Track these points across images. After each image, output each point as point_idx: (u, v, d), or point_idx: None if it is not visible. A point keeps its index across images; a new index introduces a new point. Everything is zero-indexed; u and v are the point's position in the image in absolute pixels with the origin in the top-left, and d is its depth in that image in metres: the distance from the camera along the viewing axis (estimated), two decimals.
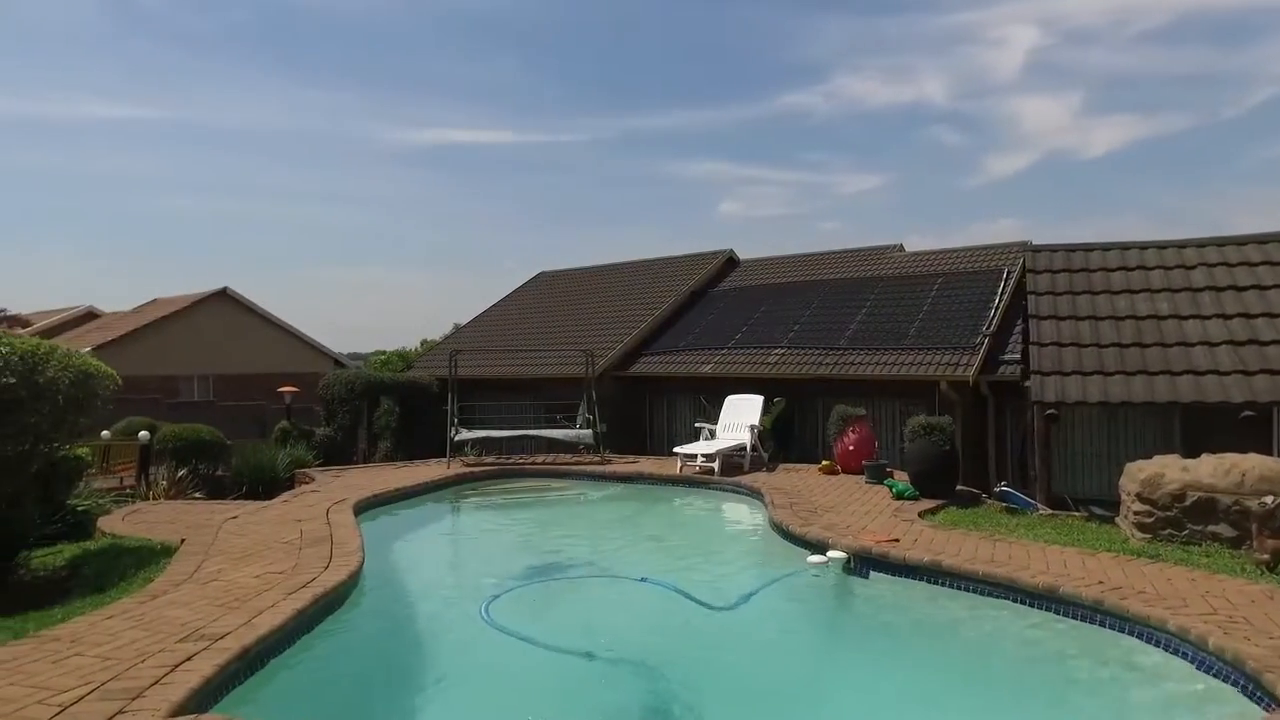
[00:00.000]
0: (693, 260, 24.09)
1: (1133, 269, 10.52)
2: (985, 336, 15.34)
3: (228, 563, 6.14)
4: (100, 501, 10.23)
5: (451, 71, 77.97)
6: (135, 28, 66.11)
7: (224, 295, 29.97)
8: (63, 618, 5.20)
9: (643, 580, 6.58)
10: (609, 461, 12.26)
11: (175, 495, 13.47)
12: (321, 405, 20.73)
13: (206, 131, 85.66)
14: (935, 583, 6.01)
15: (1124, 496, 7.49)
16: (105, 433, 18.29)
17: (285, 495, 9.16)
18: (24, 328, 28.14)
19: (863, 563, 6.51)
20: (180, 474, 13.96)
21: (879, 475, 10.37)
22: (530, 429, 13.15)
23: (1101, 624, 5.00)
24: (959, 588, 5.86)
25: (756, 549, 7.97)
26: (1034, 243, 19.08)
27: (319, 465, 18.44)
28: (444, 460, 12.75)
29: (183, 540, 7.17)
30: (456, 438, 12.05)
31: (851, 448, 11.39)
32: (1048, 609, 5.33)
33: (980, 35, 73.25)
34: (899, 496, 9.14)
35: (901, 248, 21.62)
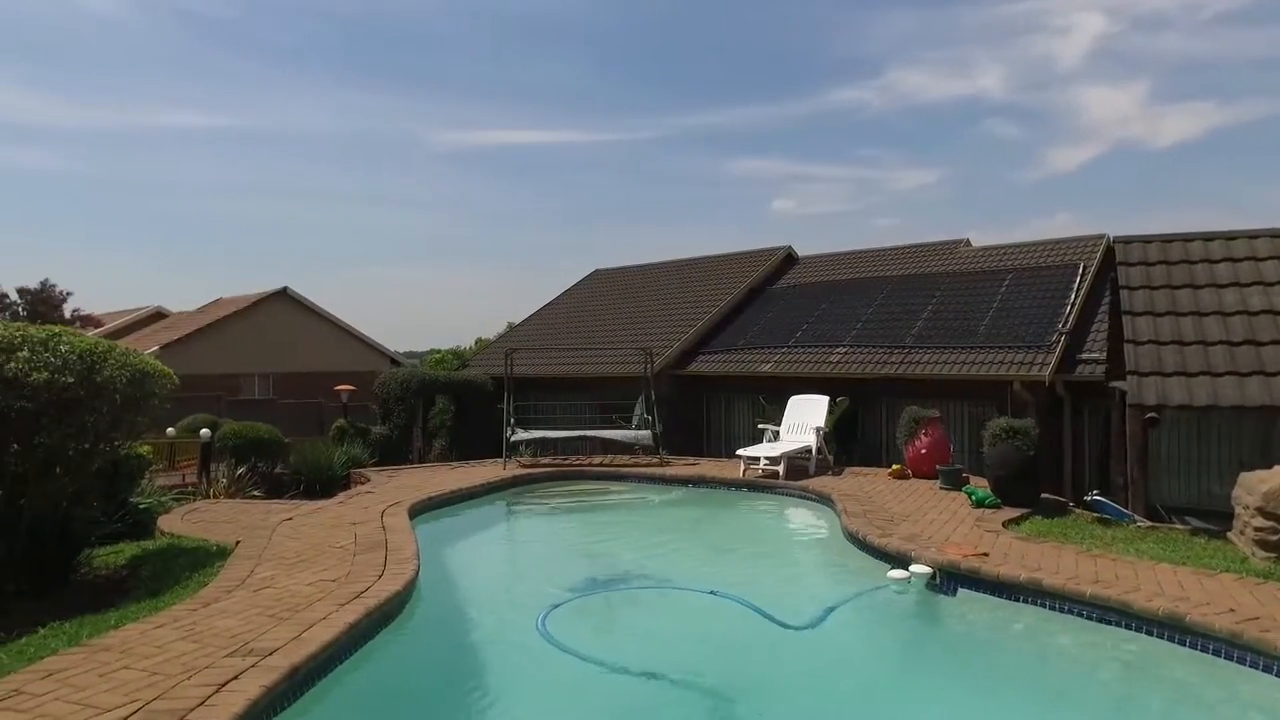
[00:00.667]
0: (750, 257, 23.58)
1: (1240, 260, 9.68)
2: (1061, 334, 14.54)
3: (280, 568, 5.95)
4: (162, 499, 10.25)
5: (505, 74, 78.60)
6: (208, 40, 68.15)
7: (284, 295, 30.49)
8: (116, 623, 5.05)
9: (712, 594, 6.17)
10: (668, 463, 11.89)
11: (234, 493, 13.54)
12: (377, 404, 20.81)
13: (271, 138, 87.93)
14: (1034, 603, 5.47)
15: (1239, 510, 6.83)
16: (170, 430, 18.62)
17: (340, 496, 9.01)
18: (96, 327, 29.02)
19: (950, 579, 6.01)
20: (240, 472, 14.03)
21: (955, 481, 9.80)
22: (587, 429, 12.83)
23: (1241, 661, 4.42)
24: (1061, 609, 5.31)
25: (830, 560, 7.48)
26: (1111, 235, 18.24)
27: (374, 464, 18.51)
28: (499, 460, 12.54)
29: (238, 542, 7.04)
30: (512, 438, 11.81)
31: (924, 451, 10.82)
32: (1170, 638, 4.76)
33: (1042, 24, 70.79)
34: (979, 504, 8.57)
35: (968, 243, 20.78)
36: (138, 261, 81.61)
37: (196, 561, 6.70)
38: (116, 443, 7.11)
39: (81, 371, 6.05)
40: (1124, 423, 10.53)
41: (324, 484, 16.57)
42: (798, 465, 10.93)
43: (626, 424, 16.94)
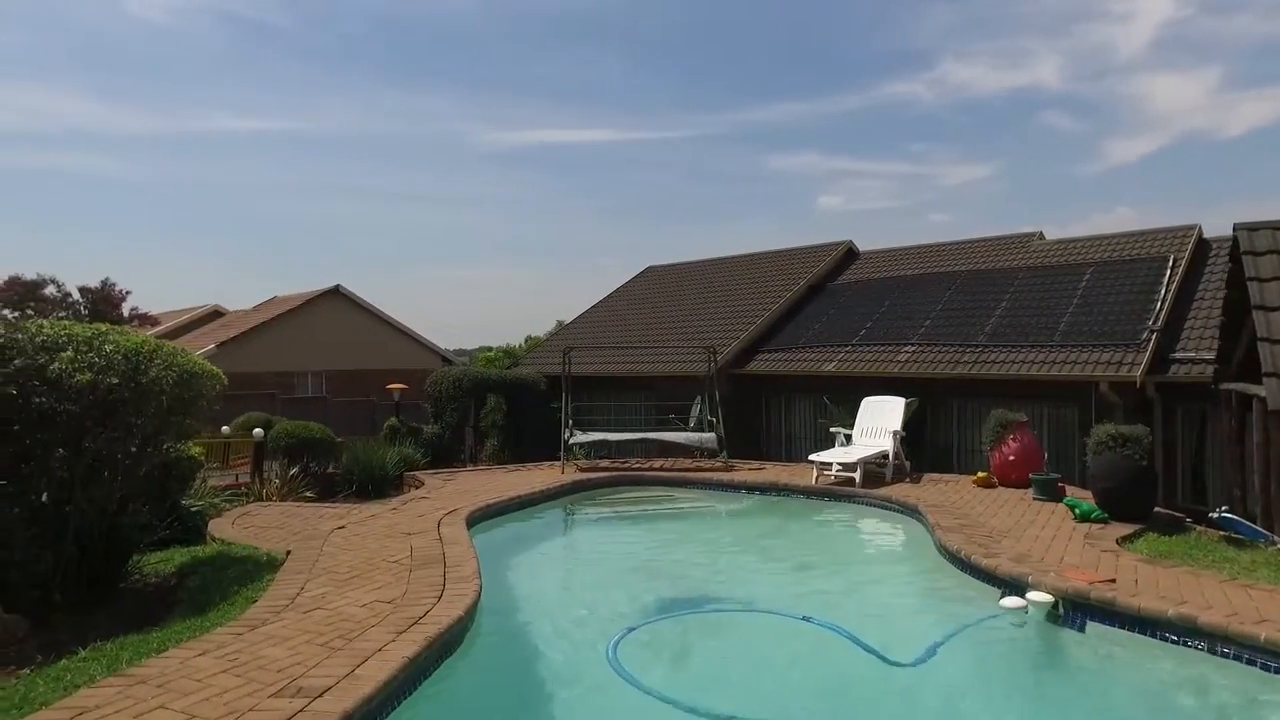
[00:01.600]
0: (810, 252, 22.78)
1: None
2: (1153, 332, 13.54)
3: (333, 585, 5.51)
4: (214, 501, 10.00)
5: (551, 73, 78.47)
6: (263, 45, 69.43)
7: (337, 293, 30.58)
8: (158, 647, 4.65)
9: (804, 620, 5.55)
10: (732, 467, 11.27)
11: (287, 494, 13.32)
12: (429, 403, 20.56)
13: (318, 139, 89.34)
14: (1187, 644, 4.72)
15: None
16: (226, 428, 18.62)
17: (394, 501, 8.60)
18: (154, 326, 29.45)
19: (1076, 610, 5.29)
20: (292, 472, 13.82)
21: (1051, 491, 9.00)
22: (648, 431, 12.27)
23: None
24: (1225, 654, 4.56)
25: (927, 582, 6.75)
26: (1200, 225, 17.04)
27: (426, 464, 18.23)
28: (554, 463, 12.08)
29: (288, 552, 6.64)
30: (571, 440, 11.30)
31: (1012, 458, 10.03)
32: None
33: (1103, 11, 67.92)
34: (1084, 518, 7.78)
35: (1041, 236, 19.71)
36: (195, 262, 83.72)
37: (245, 573, 6.32)
38: (166, 445, 6.79)
39: (126, 372, 5.70)
40: (1238, 429, 9.59)
41: (376, 484, 16.33)
42: (873, 472, 10.22)
43: (683, 424, 16.36)
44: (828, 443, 18.48)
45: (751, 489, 10.08)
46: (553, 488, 9.49)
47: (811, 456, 10.22)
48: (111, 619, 5.85)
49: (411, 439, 18.67)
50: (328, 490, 15.50)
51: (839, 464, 10.08)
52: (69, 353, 5.42)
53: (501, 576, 6.44)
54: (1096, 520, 7.70)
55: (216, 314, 36.81)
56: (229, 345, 27.47)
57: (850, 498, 9.48)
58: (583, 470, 11.15)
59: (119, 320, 26.28)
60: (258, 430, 14.38)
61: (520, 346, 36.24)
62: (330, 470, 16.10)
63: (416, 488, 10.06)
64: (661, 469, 11.31)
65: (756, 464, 11.96)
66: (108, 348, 5.67)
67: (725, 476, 10.63)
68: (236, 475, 14.67)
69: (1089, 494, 8.57)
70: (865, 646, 5.05)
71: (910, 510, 8.45)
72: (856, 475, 9.80)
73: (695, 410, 16.92)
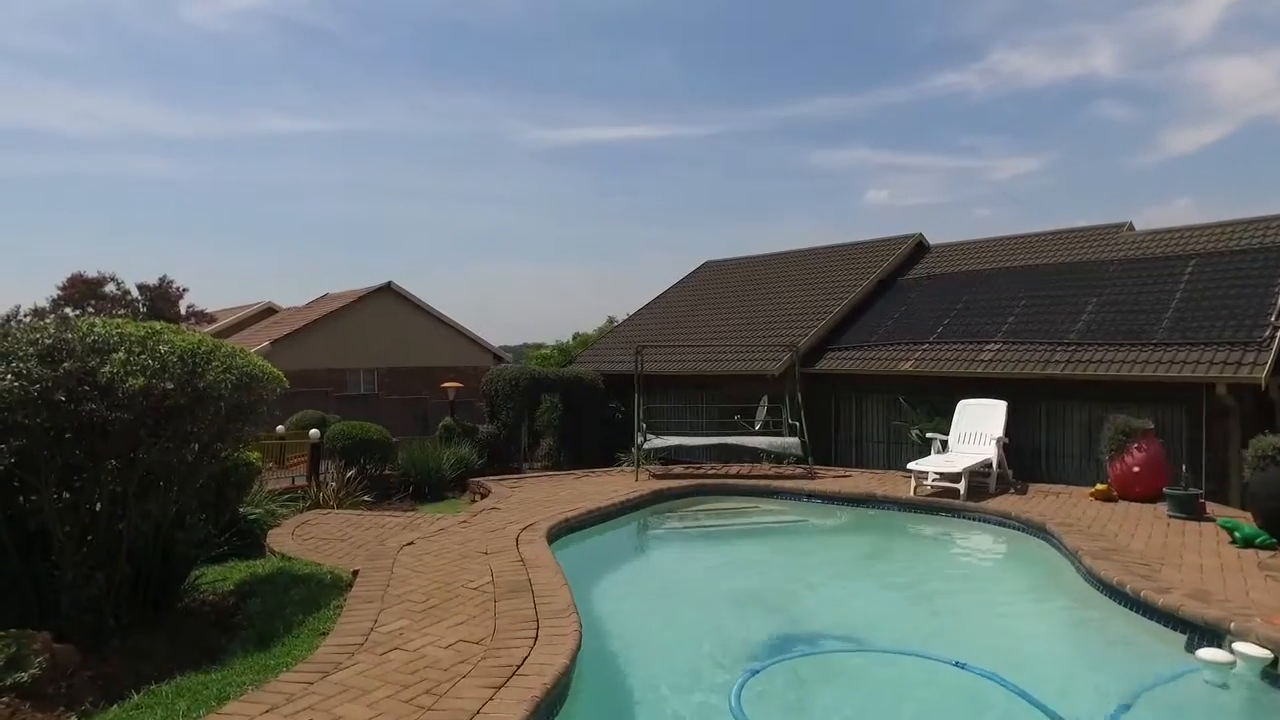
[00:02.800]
0: (877, 247, 21.74)
1: None
2: (1277, 328, 12.36)
3: (409, 617, 4.86)
4: (271, 509, 9.52)
5: (594, 71, 77.86)
6: (313, 47, 70.13)
7: (388, 290, 30.34)
8: (218, 693, 4.05)
9: (958, 666, 4.72)
10: (815, 475, 10.44)
11: (344, 497, 12.86)
12: (484, 401, 20.03)
13: (366, 140, 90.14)
14: None
15: None
16: (280, 428, 18.32)
17: (462, 513, 7.98)
18: (211, 323, 29.53)
19: None
20: (349, 475, 13.35)
21: (1189, 509, 8.01)
22: (727, 436, 11.45)
23: None
24: None
25: (1084, 620, 5.80)
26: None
27: (482, 466, 17.71)
28: (623, 468, 11.38)
29: (355, 572, 6.03)
30: (646, 445, 10.56)
31: (1136, 469, 9.04)
32: None
33: None
34: (1246, 544, 6.81)
35: (1130, 227, 18.43)
36: (248, 262, 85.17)
37: (310, 597, 5.72)
38: (224, 453, 6.24)
39: (182, 376, 5.12)
40: None
41: (432, 487, 15.87)
42: (974, 483, 9.31)
43: (749, 426, 15.55)
44: (903, 445, 17.59)
45: (843, 501, 9.23)
46: (632, 498, 8.73)
47: (911, 465, 9.34)
48: (168, 646, 5.29)
49: (467, 439, 18.18)
50: (383, 493, 15.06)
51: (937, 473, 9.20)
52: (121, 354, 4.86)
53: (592, 606, 5.67)
54: (1264, 546, 6.72)
55: (270, 311, 36.96)
56: (282, 342, 27.38)
57: (956, 512, 8.58)
58: (656, 477, 10.41)
59: (176, 318, 26.29)
60: (314, 431, 13.96)
61: (570, 344, 35.63)
62: (386, 472, 15.66)
63: (483, 495, 9.43)
64: (740, 476, 10.52)
65: (839, 470, 11.12)
66: (162, 349, 5.09)
67: (811, 485, 9.80)
68: (293, 478, 14.28)
69: (1243, 514, 7.57)
70: (1040, 705, 4.21)
71: (1035, 529, 7.54)
72: (961, 486, 8.91)
73: (761, 411, 16.09)
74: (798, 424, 11.05)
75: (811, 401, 17.72)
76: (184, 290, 28.20)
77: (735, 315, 21.37)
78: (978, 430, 10.18)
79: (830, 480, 10.17)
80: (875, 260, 20.79)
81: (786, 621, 5.89)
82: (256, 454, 8.65)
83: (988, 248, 20.10)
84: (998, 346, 15.44)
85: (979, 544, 8.13)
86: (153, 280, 27.31)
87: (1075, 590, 6.15)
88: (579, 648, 4.23)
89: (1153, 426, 9.64)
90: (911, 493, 9.23)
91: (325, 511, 9.49)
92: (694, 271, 26.19)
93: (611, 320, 37.24)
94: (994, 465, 9.54)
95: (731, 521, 9.18)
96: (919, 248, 21.52)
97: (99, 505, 5.06)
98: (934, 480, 9.31)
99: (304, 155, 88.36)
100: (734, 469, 11.30)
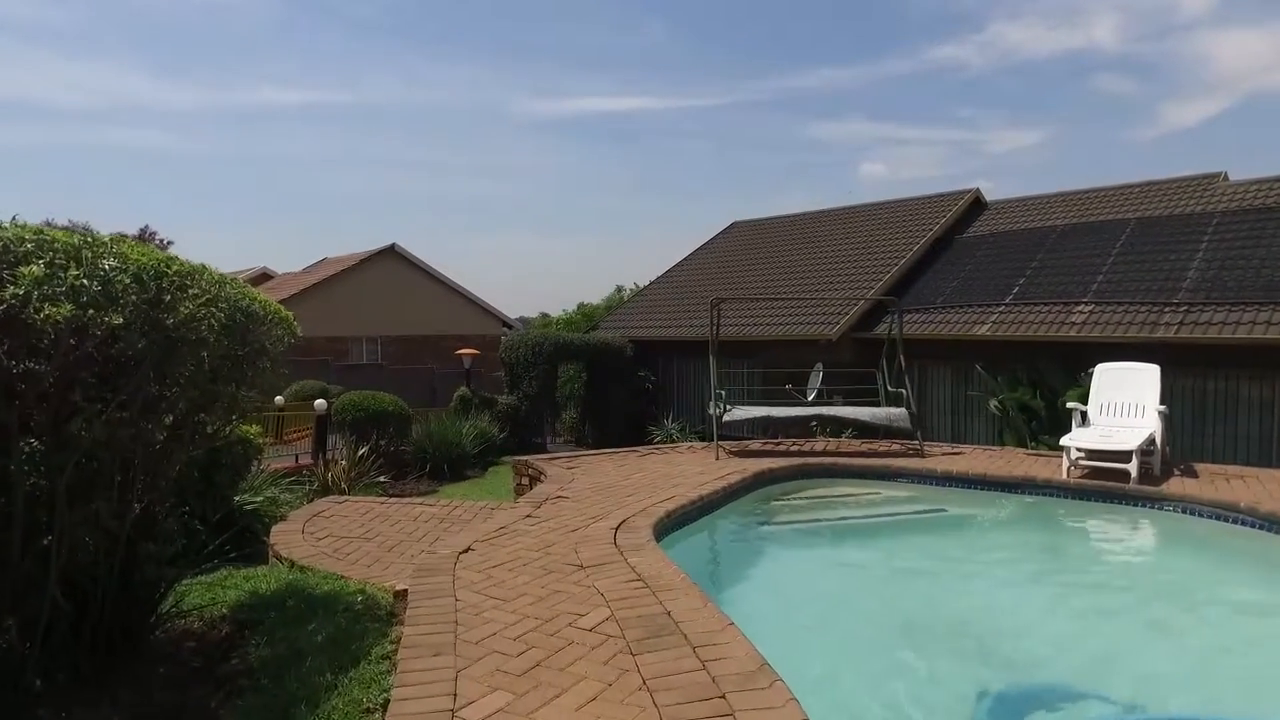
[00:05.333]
0: (926, 204, 19.92)
1: None
2: None
3: (505, 685, 3.08)
4: (274, 498, 7.74)
5: (591, 41, 74.91)
6: (307, 16, 67.10)
7: (392, 252, 28.34)
8: None
9: None
10: (925, 453, 8.66)
11: (356, 478, 11.09)
12: (504, 370, 18.20)
13: (364, 111, 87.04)
14: None
15: None
16: (279, 398, 16.48)
17: (524, 506, 6.15)
18: None
19: None
20: (361, 452, 11.58)
21: None
22: (822, 406, 9.60)
23: None
24: None
25: None
26: None
27: (504, 440, 15.95)
28: (692, 443, 9.62)
29: (399, 594, 4.25)
30: (725, 417, 8.73)
31: None
32: None
33: None
34: None
35: (1225, 177, 16.60)
36: (249, 234, 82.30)
37: (339, 635, 3.95)
38: (211, 428, 4.42)
39: (140, 308, 3.29)
40: None
41: (453, 464, 14.11)
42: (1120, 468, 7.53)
43: (801, 396, 13.76)
44: (973, 417, 15.89)
45: (985, 485, 7.43)
46: (734, 482, 6.83)
47: (1066, 441, 7.54)
48: (127, 713, 3.54)
49: (486, 411, 16.41)
50: (399, 470, 13.29)
51: (1102, 451, 7.45)
52: (37, 268, 3.01)
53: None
54: None
55: (265, 277, 34.96)
56: None
57: (1134, 500, 6.81)
58: (734, 454, 8.61)
59: None
60: (320, 402, 12.15)
61: (574, 315, 33.51)
62: (402, 447, 13.89)
63: (538, 479, 7.62)
64: (845, 454, 8.69)
65: (948, 447, 9.34)
66: (106, 264, 3.25)
67: (927, 465, 8.00)
68: (296, 456, 12.47)
69: None
70: None
71: (1262, 523, 5.77)
72: (1132, 468, 7.14)
73: (815, 379, 14.28)
74: (904, 391, 9.23)
75: (866, 370, 16.01)
76: (169, 243, 26.09)
77: (776, 277, 19.54)
78: (1125, 399, 8.42)
79: (942, 458, 8.39)
80: (928, 218, 18.96)
81: (1007, 669, 4.13)
82: (256, 427, 6.85)
83: (1057, 202, 18.28)
84: (1090, 307, 13.71)
85: (1181, 540, 6.35)
86: (131, 231, 25.16)
87: None
88: None
89: None
90: (1064, 474, 7.47)
91: (339, 499, 7.70)
92: (722, 232, 24.32)
93: (620, 289, 35.28)
94: (1157, 442, 7.78)
95: (856, 513, 7.39)
96: (975, 204, 19.69)
97: (9, 512, 3.25)
98: (1077, 459, 7.57)
99: (301, 127, 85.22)
100: (819, 444, 9.51)
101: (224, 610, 4.68)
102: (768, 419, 9.51)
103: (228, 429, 4.90)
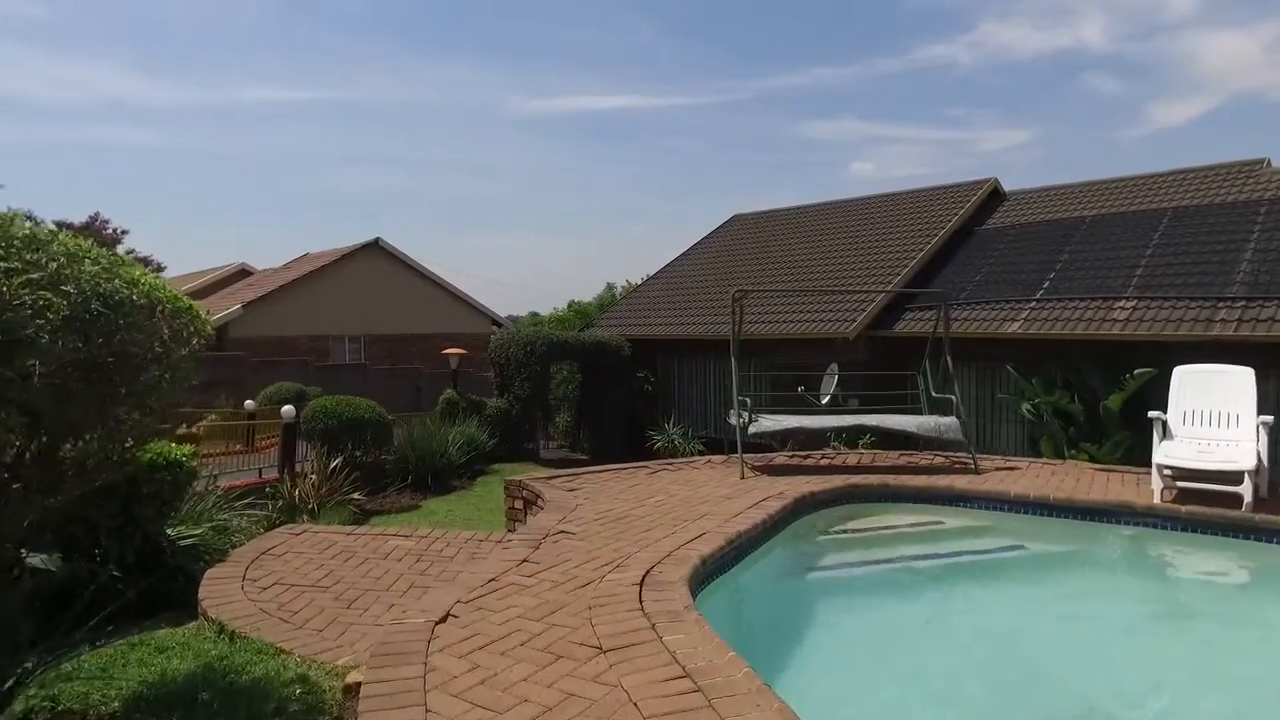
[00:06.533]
0: (940, 195, 18.84)
1: None
2: None
3: None
4: (223, 521, 6.50)
5: (580, 38, 73.65)
6: (300, 14, 65.58)
7: (376, 247, 26.97)
8: None
9: None
10: (979, 470, 7.49)
11: (328, 494, 9.86)
12: (493, 371, 16.95)
13: (357, 109, 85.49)
14: None
15: None
16: (249, 403, 15.21)
17: (518, 544, 4.92)
18: (157, 274, 26.15)
19: None
20: (333, 464, 10.34)
21: None
22: (863, 415, 8.35)
23: None
24: None
25: None
26: None
27: (493, 447, 14.76)
28: (704, 456, 8.45)
29: (349, 691, 3.03)
30: (752, 429, 7.50)
31: None
32: None
33: None
34: None
35: (1268, 163, 15.54)
36: (234, 233, 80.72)
37: None
38: (91, 460, 3.20)
39: None
40: None
41: (437, 474, 12.88)
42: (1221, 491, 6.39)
43: (815, 399, 12.58)
44: (1001, 423, 14.74)
45: (1069, 512, 6.23)
46: (775, 511, 5.51)
47: (1159, 459, 6.39)
48: None
49: (474, 415, 15.17)
50: (377, 483, 12.03)
51: (1191, 470, 6.31)
52: None
53: None
54: None
55: (244, 273, 33.55)
56: (256, 305, 24.11)
57: (1259, 533, 5.67)
58: (757, 469, 7.41)
59: None
60: (288, 409, 10.88)
61: (565, 313, 32.08)
62: (381, 456, 12.65)
63: (534, 505, 6.40)
64: (895, 470, 7.50)
65: (1002, 460, 8.19)
66: None
67: (988, 485, 6.83)
68: (260, 470, 11.18)
69: None
70: None
71: None
72: (1245, 491, 6.00)
73: (830, 382, 13.09)
74: (953, 397, 8.05)
75: (885, 370, 14.86)
76: (122, 233, 24.40)
77: (782, 272, 18.38)
78: (1214, 407, 7.28)
79: (1001, 475, 7.23)
80: (944, 209, 17.84)
81: None
82: (188, 448, 5.61)
83: (1084, 192, 17.19)
84: (1133, 303, 12.62)
85: None
86: (79, 219, 23.51)
87: None
88: None
89: None
90: (1156, 498, 6.32)
91: (297, 529, 6.46)
92: (722, 225, 23.17)
93: (610, 287, 33.95)
94: (1260, 458, 6.63)
95: (921, 551, 6.11)
96: (994, 195, 18.58)
97: None
98: (1167, 478, 6.43)
99: (291, 125, 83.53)
100: (853, 458, 8.33)
101: (116, 705, 3.46)
102: (800, 430, 8.32)
103: (128, 453, 3.68)
